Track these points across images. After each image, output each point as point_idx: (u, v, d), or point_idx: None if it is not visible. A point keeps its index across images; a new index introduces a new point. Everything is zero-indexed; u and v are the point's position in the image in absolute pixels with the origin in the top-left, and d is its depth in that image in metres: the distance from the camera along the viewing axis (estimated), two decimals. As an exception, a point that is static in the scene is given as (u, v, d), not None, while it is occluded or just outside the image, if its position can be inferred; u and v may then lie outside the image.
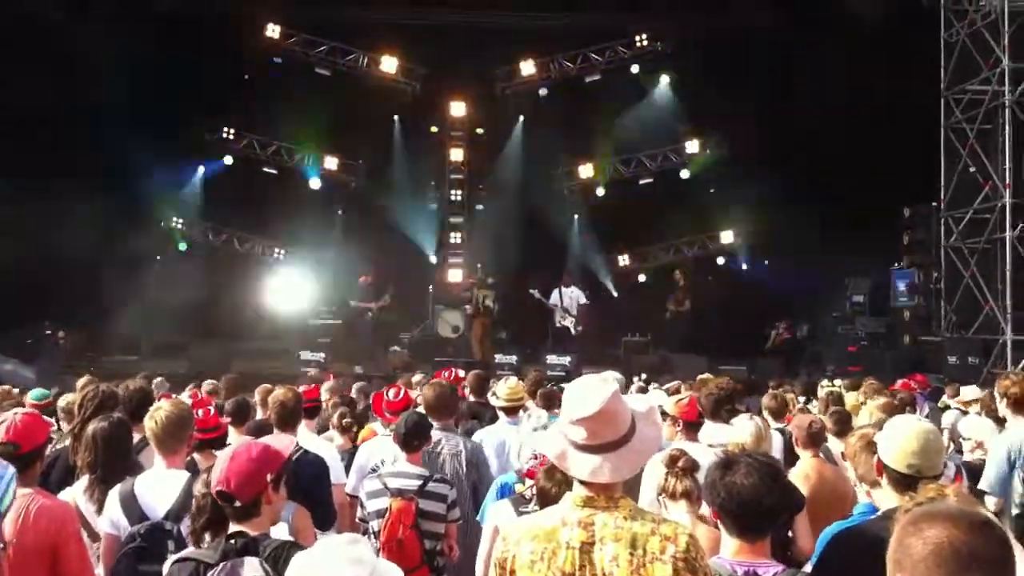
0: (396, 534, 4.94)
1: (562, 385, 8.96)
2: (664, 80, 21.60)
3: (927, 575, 1.88)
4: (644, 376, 13.37)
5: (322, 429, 7.22)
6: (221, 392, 8.92)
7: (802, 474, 5.35)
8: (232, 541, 2.98)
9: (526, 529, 2.82)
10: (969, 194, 17.14)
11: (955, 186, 17.37)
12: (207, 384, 9.34)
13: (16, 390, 9.58)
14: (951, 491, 3.03)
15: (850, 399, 8.12)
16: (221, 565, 2.95)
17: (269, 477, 3.11)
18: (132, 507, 4.02)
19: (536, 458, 4.71)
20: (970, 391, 9.18)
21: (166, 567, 3.14)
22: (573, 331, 18.87)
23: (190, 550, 3.23)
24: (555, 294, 18.69)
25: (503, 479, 5.37)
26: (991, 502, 5.39)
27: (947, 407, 9.72)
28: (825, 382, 11.61)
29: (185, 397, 7.78)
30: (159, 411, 4.40)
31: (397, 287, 20.13)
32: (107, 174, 17.80)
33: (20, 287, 17.69)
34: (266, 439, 3.44)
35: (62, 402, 6.46)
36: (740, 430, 5.26)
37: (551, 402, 7.92)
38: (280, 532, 3.52)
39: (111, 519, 4.07)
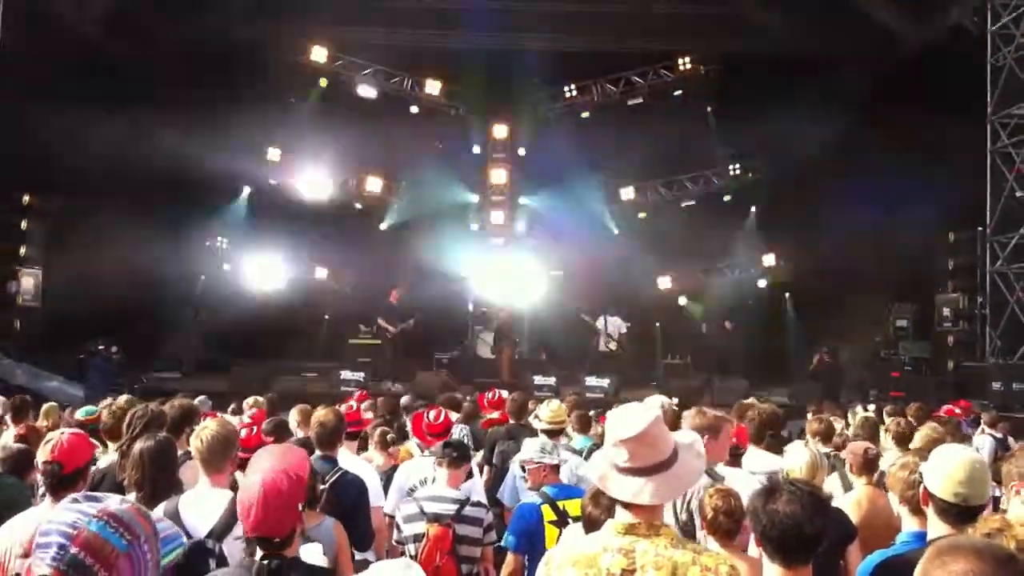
0: (434, 560, 4.95)
1: (595, 411, 9.01)
2: (707, 104, 21.53)
3: None
4: (675, 400, 13.30)
5: (360, 448, 7.22)
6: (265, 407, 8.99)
7: (855, 502, 5.27)
8: (266, 562, 2.95)
9: (567, 555, 2.83)
10: (1015, 219, 16.94)
11: (1001, 211, 17.17)
12: (250, 399, 9.38)
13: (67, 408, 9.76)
14: (1016, 523, 2.99)
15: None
16: None
17: (300, 507, 3.08)
18: (175, 523, 4.04)
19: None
20: None
21: None
22: (616, 353, 19.02)
23: (224, 570, 3.22)
24: (600, 320, 18.80)
25: (521, 505, 5.38)
26: None
27: (982, 432, 9.61)
28: (859, 408, 11.51)
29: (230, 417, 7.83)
30: (205, 430, 4.42)
31: (438, 308, 20.24)
32: (154, 194, 18.05)
33: (65, 305, 17.99)
34: (282, 459, 3.31)
35: (105, 416, 6.49)
36: (794, 459, 5.15)
37: (586, 425, 7.94)
38: (315, 550, 3.52)
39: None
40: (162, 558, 2.11)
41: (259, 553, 3.00)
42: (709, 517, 4.18)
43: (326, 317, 21.47)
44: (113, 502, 2.05)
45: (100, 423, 6.16)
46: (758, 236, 22.05)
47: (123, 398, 8.80)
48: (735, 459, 5.59)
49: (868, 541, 4.70)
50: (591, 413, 8.79)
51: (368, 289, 21.15)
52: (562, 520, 5.07)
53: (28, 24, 15.96)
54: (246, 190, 22.03)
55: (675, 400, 11.09)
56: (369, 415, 8.43)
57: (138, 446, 4.49)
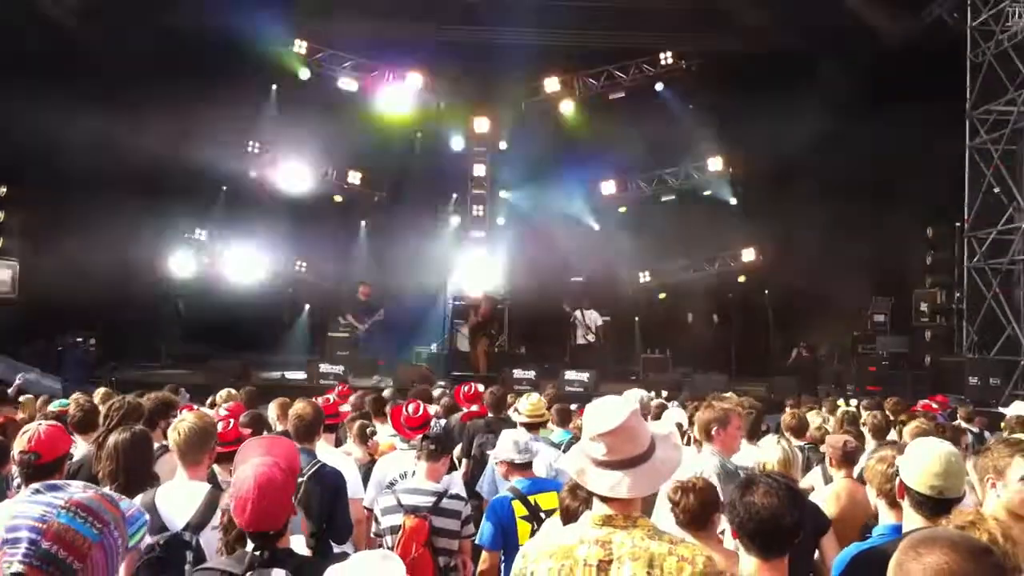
0: (410, 552, 4.94)
1: (574, 406, 9.00)
2: (688, 99, 21.56)
3: None
4: (665, 393, 13.32)
5: (338, 442, 7.19)
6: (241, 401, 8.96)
7: (833, 494, 5.30)
8: (258, 552, 2.96)
9: (544, 547, 2.84)
10: (993, 215, 17.05)
11: (979, 206, 17.28)
12: (223, 392, 9.34)
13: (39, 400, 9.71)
14: (990, 516, 3.00)
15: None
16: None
17: (294, 498, 3.11)
18: (152, 518, 4.02)
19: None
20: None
21: None
22: (596, 345, 19.06)
23: (215, 560, 3.21)
24: (577, 314, 18.89)
25: (493, 501, 5.37)
26: None
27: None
28: (841, 402, 11.58)
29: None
30: (183, 423, 4.41)
31: (418, 302, 20.25)
32: (132, 187, 17.95)
33: (43, 297, 17.85)
34: (271, 451, 3.28)
35: (73, 409, 6.42)
36: (767, 454, 5.18)
37: (566, 418, 7.94)
38: (298, 542, 3.51)
39: (131, 531, 4.06)
40: (129, 538, 2.05)
41: (250, 545, 2.99)
42: (672, 509, 4.18)
43: (307, 307, 21.43)
44: (77, 490, 2.01)
45: (68, 416, 6.13)
46: (738, 231, 22.10)
47: (100, 391, 8.80)
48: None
49: (846, 534, 4.73)
50: (573, 407, 8.81)
51: (348, 282, 21.11)
52: (534, 515, 5.09)
53: (4, 14, 15.83)
54: (225, 183, 21.90)
55: (664, 394, 11.10)
56: (347, 408, 8.41)
57: (113, 438, 4.47)
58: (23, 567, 1.89)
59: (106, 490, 2.10)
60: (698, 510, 3.92)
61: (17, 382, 11.01)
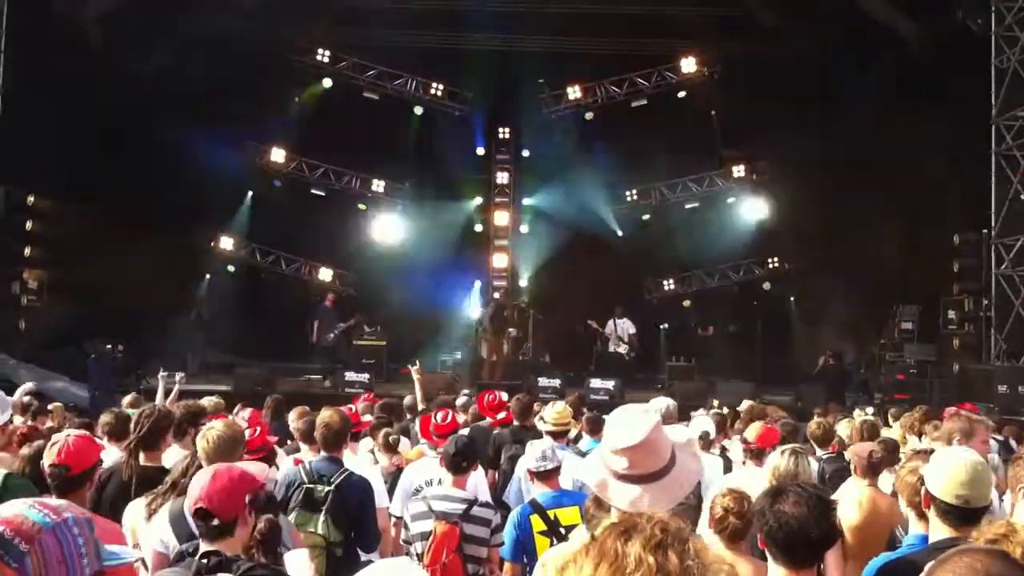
0: (440, 558, 4.93)
1: (603, 416, 8.95)
2: (710, 105, 21.49)
3: None
4: (716, 403, 13.15)
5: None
6: (266, 412, 9.03)
7: (856, 501, 5.28)
8: (205, 560, 2.98)
9: (566, 556, 2.82)
10: (1021, 221, 16.89)
11: (1006, 213, 17.12)
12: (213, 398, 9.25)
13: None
14: (1022, 527, 2.98)
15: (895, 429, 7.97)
16: None
17: (248, 498, 3.15)
18: (181, 525, 4.04)
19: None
20: None
21: None
22: (627, 357, 19.03)
23: (165, 570, 3.28)
24: (610, 324, 18.89)
25: (513, 513, 5.35)
26: None
27: None
28: (857, 411, 11.46)
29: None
30: (212, 431, 4.42)
31: (444, 309, 20.32)
32: (157, 194, 18.08)
33: (69, 306, 17.99)
34: (242, 464, 3.45)
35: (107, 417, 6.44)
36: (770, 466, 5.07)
37: (597, 427, 7.91)
38: (300, 557, 3.53)
39: (160, 537, 4.09)
40: (106, 559, 2.16)
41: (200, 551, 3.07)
42: (718, 517, 4.15)
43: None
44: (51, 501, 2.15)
45: (102, 425, 6.16)
46: (763, 238, 22.00)
47: (128, 398, 8.84)
48: (760, 460, 5.57)
49: (868, 543, 4.72)
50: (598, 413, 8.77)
51: (372, 290, 21.18)
52: (553, 530, 5.03)
53: (29, 22, 16.00)
54: (250, 191, 21.98)
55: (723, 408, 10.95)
56: (368, 417, 8.40)
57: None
58: None
59: (86, 514, 2.18)
60: (742, 528, 3.96)
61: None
